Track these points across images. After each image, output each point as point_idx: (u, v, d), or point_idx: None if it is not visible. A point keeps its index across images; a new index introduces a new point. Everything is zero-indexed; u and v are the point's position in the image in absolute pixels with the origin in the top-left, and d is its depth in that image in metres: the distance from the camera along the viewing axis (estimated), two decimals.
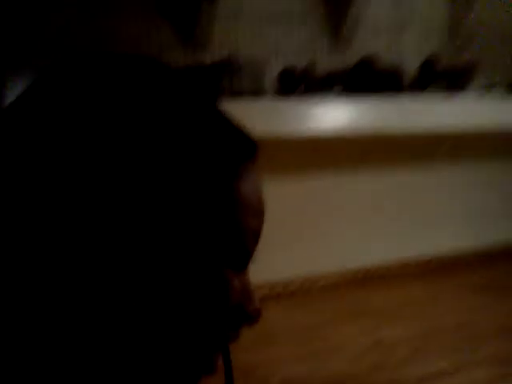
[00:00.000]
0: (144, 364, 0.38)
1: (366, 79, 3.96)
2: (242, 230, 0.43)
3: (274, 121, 3.40)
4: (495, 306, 3.46)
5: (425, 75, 4.38)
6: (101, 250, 0.36)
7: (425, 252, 4.40)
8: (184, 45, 3.52)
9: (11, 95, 2.62)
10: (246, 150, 0.46)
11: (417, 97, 4.08)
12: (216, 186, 0.41)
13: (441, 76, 4.47)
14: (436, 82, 4.38)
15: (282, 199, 3.75)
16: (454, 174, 4.51)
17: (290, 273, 3.74)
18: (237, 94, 3.46)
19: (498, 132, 4.23)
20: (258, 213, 0.45)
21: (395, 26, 4.25)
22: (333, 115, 3.66)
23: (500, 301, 3.53)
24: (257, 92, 3.57)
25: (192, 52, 3.50)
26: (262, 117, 3.38)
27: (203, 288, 0.41)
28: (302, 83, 3.78)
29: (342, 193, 3.99)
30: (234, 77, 3.50)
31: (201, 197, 0.40)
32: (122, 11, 3.25)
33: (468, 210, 4.56)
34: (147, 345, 0.38)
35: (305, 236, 3.83)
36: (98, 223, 0.36)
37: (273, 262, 3.63)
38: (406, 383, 2.46)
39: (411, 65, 4.29)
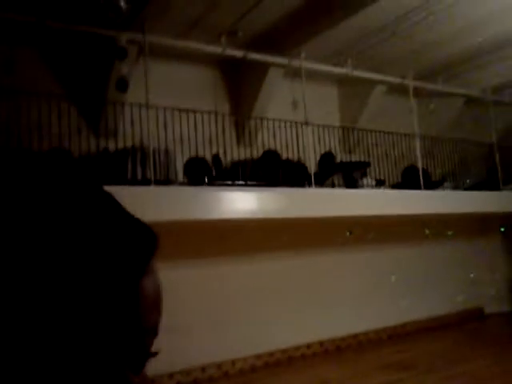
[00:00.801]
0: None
1: (272, 168, 4.19)
2: (144, 329, 0.44)
3: (181, 207, 3.44)
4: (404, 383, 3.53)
5: (324, 167, 4.71)
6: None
7: (339, 333, 4.49)
8: (92, 131, 3.55)
9: None
10: (150, 246, 0.45)
11: (318, 187, 4.33)
12: (122, 285, 0.41)
13: (338, 168, 4.84)
14: (334, 174, 4.73)
15: (189, 283, 3.72)
16: (355, 256, 4.76)
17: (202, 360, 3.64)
18: (145, 181, 3.49)
19: (393, 218, 4.59)
20: (159, 307, 0.46)
21: (294, 126, 4.55)
22: (240, 202, 3.78)
23: (409, 378, 3.61)
24: (165, 179, 3.63)
25: (100, 138, 3.52)
26: (170, 203, 3.42)
27: None
28: (210, 172, 3.92)
29: (242, 276, 4.03)
30: (141, 164, 3.55)
31: (107, 298, 0.40)
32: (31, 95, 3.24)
33: (364, 293, 4.77)
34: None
35: (222, 320, 3.78)
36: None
37: (189, 350, 3.53)
38: None
39: (312, 158, 4.60)
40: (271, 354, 4.12)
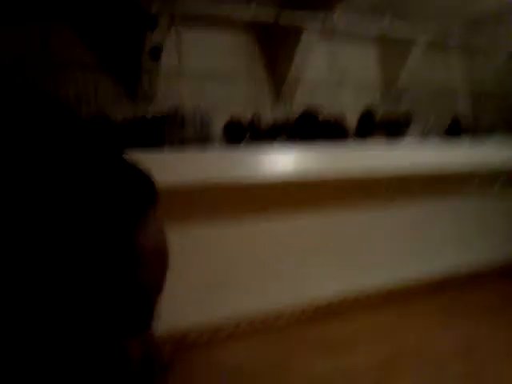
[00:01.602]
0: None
1: (310, 129, 4.17)
2: (144, 289, 0.42)
3: (220, 170, 3.49)
4: (457, 328, 3.48)
5: (364, 126, 4.64)
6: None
7: (388, 281, 4.46)
8: (129, 98, 3.65)
9: None
10: (146, 198, 0.44)
11: (359, 144, 4.28)
12: (115, 242, 0.40)
13: (379, 126, 4.76)
14: (375, 132, 4.65)
15: (240, 241, 3.79)
16: (394, 212, 4.67)
17: (253, 310, 3.71)
18: (184, 143, 3.56)
19: (435, 173, 4.47)
20: (161, 263, 0.44)
21: (332, 84, 4.51)
22: (279, 162, 3.79)
23: (461, 323, 3.56)
24: (204, 142, 3.69)
25: (137, 104, 3.62)
26: (209, 166, 3.48)
27: (104, 359, 0.40)
28: (248, 133, 3.94)
29: (296, 233, 4.04)
30: (180, 127, 3.62)
31: (100, 257, 0.38)
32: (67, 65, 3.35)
33: (411, 245, 4.69)
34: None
35: (264, 275, 3.82)
36: None
37: (236, 301, 3.61)
38: None
39: (351, 117, 4.54)
40: (314, 306, 4.14)
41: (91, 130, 0.44)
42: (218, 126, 3.91)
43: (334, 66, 4.61)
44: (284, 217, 4.07)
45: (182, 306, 2.88)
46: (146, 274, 0.41)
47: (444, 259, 4.87)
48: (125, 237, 0.40)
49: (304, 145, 3.93)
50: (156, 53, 3.66)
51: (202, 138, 3.78)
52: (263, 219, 3.98)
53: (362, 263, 4.44)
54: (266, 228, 3.94)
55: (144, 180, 0.44)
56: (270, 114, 4.14)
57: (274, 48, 4.81)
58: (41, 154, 0.39)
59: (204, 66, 3.79)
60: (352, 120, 4.54)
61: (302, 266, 4.08)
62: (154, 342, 0.46)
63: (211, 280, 3.30)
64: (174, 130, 3.66)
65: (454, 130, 4.87)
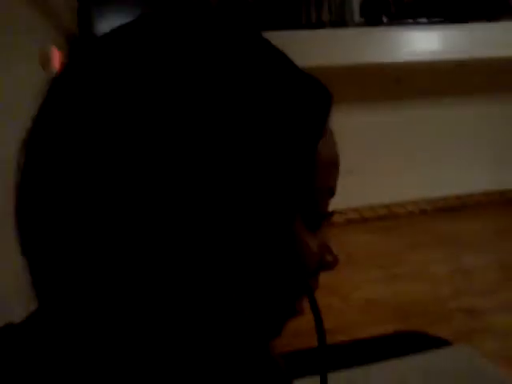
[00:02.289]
0: (235, 313, 0.38)
1: (458, 3, 3.74)
2: (320, 190, 0.41)
3: (358, 50, 3.36)
4: None
5: None
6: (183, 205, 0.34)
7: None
8: None
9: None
10: (326, 105, 0.41)
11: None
12: (300, 147, 0.38)
13: None
14: None
15: (375, 128, 3.78)
16: None
17: (377, 199, 3.82)
18: (320, 23, 3.44)
19: None
20: (336, 169, 0.43)
21: None
22: (422, 42, 3.53)
23: None
24: (341, 21, 3.52)
25: None
26: (346, 46, 3.35)
27: (284, 249, 0.39)
28: (389, 10, 3.65)
29: (431, 123, 3.90)
30: (315, 6, 3.46)
31: (283, 158, 0.37)
32: None
33: None
34: (236, 296, 0.37)
35: (394, 164, 3.83)
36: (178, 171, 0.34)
37: (361, 188, 3.72)
38: (485, 311, 2.47)
39: None
40: (444, 199, 4.11)
41: (226, 11, 0.44)
42: (355, 4, 3.66)
43: None
44: (426, 104, 3.90)
45: None
46: (327, 177, 0.42)
47: None
48: (311, 142, 0.39)
49: (450, 22, 3.57)
50: None
51: (340, 16, 3.59)
52: (404, 106, 3.87)
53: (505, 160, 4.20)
54: (409, 116, 3.85)
55: (320, 84, 0.42)
56: None
57: None
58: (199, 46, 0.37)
59: None
60: None
61: (440, 157, 4.00)
62: (327, 239, 0.46)
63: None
64: (310, 8, 3.52)
65: None
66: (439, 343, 1.73)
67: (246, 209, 0.35)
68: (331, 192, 0.43)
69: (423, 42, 3.53)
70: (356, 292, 2.65)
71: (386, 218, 3.82)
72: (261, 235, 0.37)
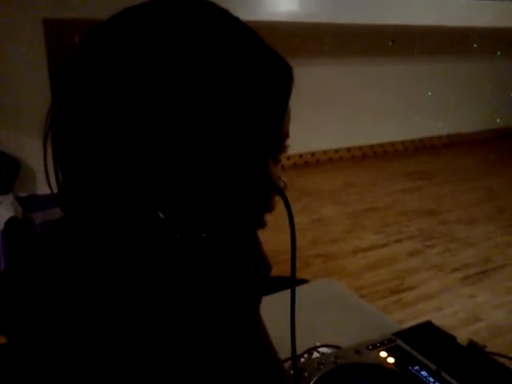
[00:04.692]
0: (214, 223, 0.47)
1: None
2: (284, 134, 0.55)
3: None
4: (423, 190, 3.83)
5: None
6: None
7: (366, 142, 4.72)
8: None
9: None
10: (291, 74, 0.55)
11: None
12: (275, 107, 0.52)
13: None
14: None
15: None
16: (391, 67, 4.69)
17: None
18: None
19: (437, 28, 4.36)
20: (290, 118, 0.57)
21: None
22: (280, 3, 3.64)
23: (427, 186, 3.90)
24: None
25: None
26: None
27: (258, 173, 0.54)
28: None
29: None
30: None
31: (266, 113, 0.51)
32: None
33: (402, 106, 4.83)
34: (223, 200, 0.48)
35: None
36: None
37: None
38: (340, 255, 2.76)
39: None
40: (300, 156, 4.42)
41: None
42: None
43: None
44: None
45: None
46: (287, 123, 0.56)
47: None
48: (284, 102, 0.53)
49: None
50: None
51: None
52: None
53: (361, 120, 4.59)
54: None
55: (284, 61, 0.54)
56: None
57: None
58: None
59: None
60: None
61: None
62: (280, 171, 0.61)
63: None
64: None
65: None
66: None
67: (237, 146, 0.49)
68: (288, 135, 0.58)
69: (284, 2, 3.64)
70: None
71: None
72: (247, 163, 0.51)
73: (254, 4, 3.45)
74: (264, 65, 0.52)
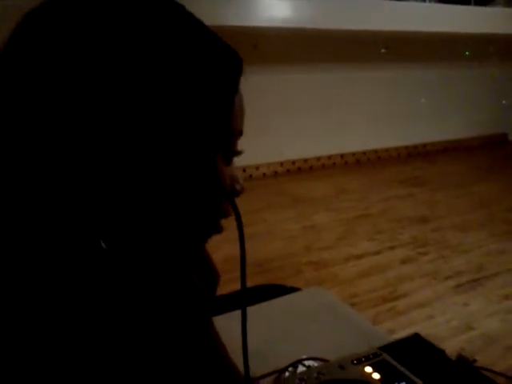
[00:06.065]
0: (169, 227, 0.44)
1: None
2: (234, 132, 0.53)
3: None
4: (416, 197, 3.82)
5: None
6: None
7: (359, 148, 4.71)
8: None
9: None
10: (239, 67, 0.52)
11: None
12: (222, 99, 0.49)
13: None
14: None
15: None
16: (383, 74, 4.70)
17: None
18: None
19: (431, 35, 4.37)
20: (243, 115, 0.55)
21: None
22: (272, 9, 3.63)
23: (421, 193, 3.89)
24: None
25: None
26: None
27: (207, 174, 0.50)
28: None
29: (273, 86, 4.06)
30: None
31: (211, 108, 0.48)
32: None
33: (396, 112, 4.83)
34: (168, 215, 0.44)
35: (248, 127, 3.93)
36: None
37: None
38: (333, 262, 2.73)
39: None
40: (293, 162, 4.40)
41: None
42: None
43: None
44: (276, 68, 4.05)
45: None
46: (236, 120, 0.53)
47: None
48: (230, 98, 0.51)
49: None
50: None
51: None
52: (255, 71, 3.96)
53: (349, 126, 4.58)
54: (256, 79, 3.94)
55: (231, 49, 0.52)
56: None
57: None
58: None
59: None
60: None
61: (289, 122, 4.20)
62: (236, 172, 0.59)
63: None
64: None
65: None
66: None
67: (180, 144, 0.46)
68: (241, 133, 0.55)
69: (274, 9, 3.64)
70: (218, 252, 2.72)
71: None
72: (192, 163, 0.48)
73: (248, 10, 3.43)
74: (210, 55, 0.49)
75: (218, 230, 0.58)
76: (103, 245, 0.39)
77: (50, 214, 0.40)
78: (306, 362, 0.88)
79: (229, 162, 0.55)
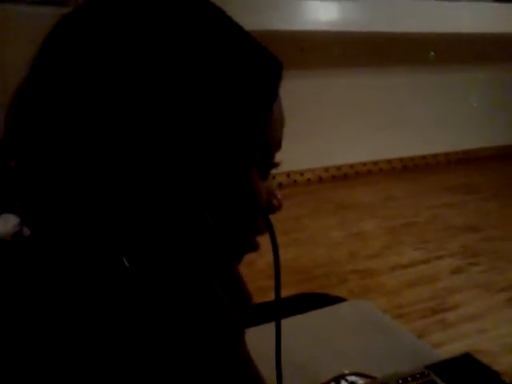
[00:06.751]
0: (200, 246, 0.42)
1: None
2: (272, 143, 0.49)
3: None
4: (466, 205, 3.68)
5: None
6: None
7: (406, 153, 4.60)
8: None
9: None
10: (279, 73, 0.48)
11: None
12: (259, 109, 0.45)
13: None
14: None
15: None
16: (433, 77, 4.57)
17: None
18: None
19: (484, 36, 4.23)
20: (282, 126, 0.51)
21: None
22: (319, 12, 3.61)
23: (471, 201, 3.76)
24: None
25: None
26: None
27: (240, 190, 0.47)
28: None
29: (319, 91, 4.02)
30: None
31: (247, 118, 0.44)
32: None
33: (445, 117, 4.68)
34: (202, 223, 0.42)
35: (293, 132, 3.91)
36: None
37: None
38: (378, 271, 2.67)
39: None
40: (339, 168, 4.33)
41: None
42: None
43: None
44: (321, 73, 4.02)
45: None
46: (275, 130, 0.50)
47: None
48: (269, 106, 0.47)
49: None
50: None
51: None
52: (301, 75, 3.94)
53: (398, 130, 4.49)
54: (303, 83, 3.93)
55: (271, 54, 0.49)
56: None
57: None
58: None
59: None
60: None
61: (336, 126, 4.15)
62: (273, 186, 0.55)
63: None
64: None
65: None
66: (339, 302, 1.83)
67: (212, 157, 0.43)
68: (279, 145, 0.52)
69: (320, 12, 3.61)
70: (261, 259, 2.72)
71: (286, 186, 3.94)
72: (225, 178, 0.44)
73: (290, 13, 3.41)
74: (247, 59, 0.46)
75: (254, 247, 0.55)
76: (126, 262, 0.37)
77: (74, 227, 0.38)
78: (349, 378, 0.84)
79: (266, 175, 0.52)
